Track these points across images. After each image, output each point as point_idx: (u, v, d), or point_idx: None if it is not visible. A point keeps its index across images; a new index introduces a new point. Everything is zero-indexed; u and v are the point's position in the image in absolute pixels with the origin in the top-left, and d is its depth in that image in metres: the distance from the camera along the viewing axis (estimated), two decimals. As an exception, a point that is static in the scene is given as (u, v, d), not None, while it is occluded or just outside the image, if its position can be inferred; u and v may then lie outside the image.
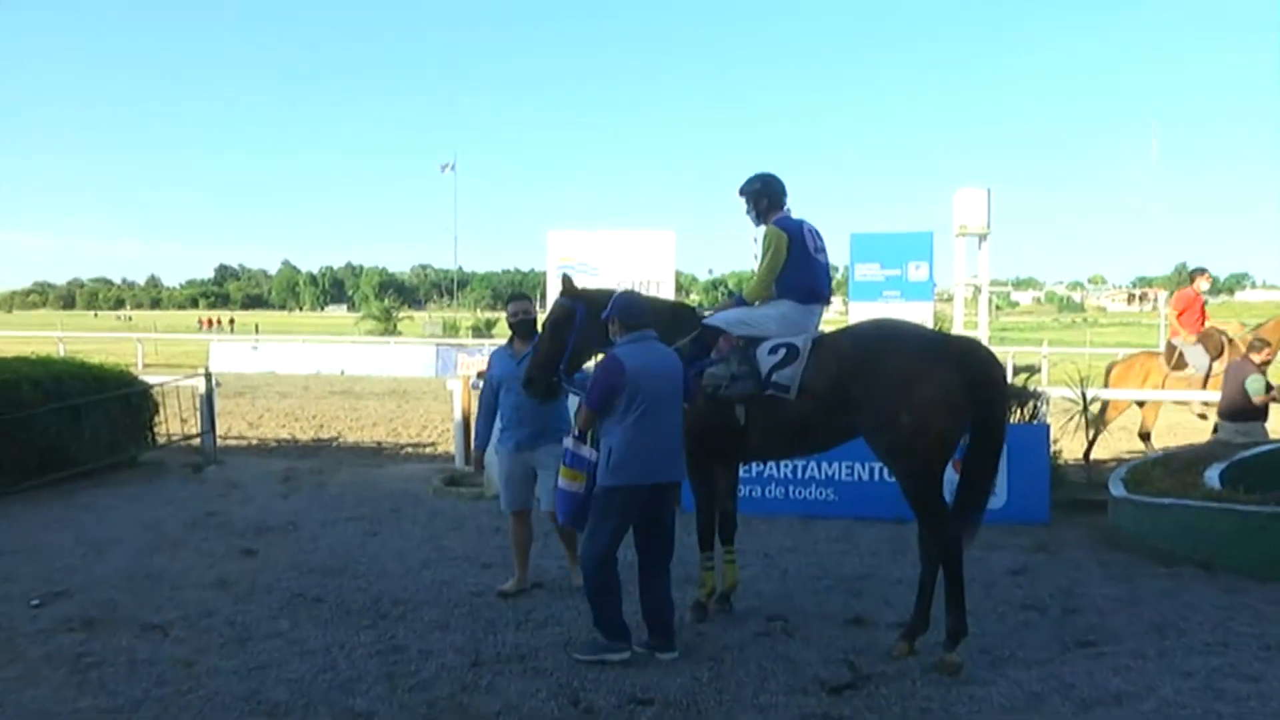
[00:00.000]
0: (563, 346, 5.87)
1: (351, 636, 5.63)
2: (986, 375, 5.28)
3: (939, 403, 5.08)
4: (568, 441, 5.34)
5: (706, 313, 6.10)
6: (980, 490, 5.31)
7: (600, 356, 5.74)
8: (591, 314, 5.73)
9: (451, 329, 51.59)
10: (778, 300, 5.85)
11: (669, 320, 5.89)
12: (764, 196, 6.00)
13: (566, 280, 6.14)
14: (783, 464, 8.94)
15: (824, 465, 8.98)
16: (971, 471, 5.31)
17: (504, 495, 6.60)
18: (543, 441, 6.34)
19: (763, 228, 6.00)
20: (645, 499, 5.20)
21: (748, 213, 6.07)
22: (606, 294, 5.80)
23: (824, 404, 5.42)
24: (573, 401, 6.22)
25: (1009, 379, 5.78)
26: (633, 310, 5.36)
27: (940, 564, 5.25)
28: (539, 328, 6.40)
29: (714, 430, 5.72)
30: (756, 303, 5.91)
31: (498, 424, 6.65)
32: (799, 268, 5.82)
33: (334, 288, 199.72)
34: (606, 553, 5.22)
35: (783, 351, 5.56)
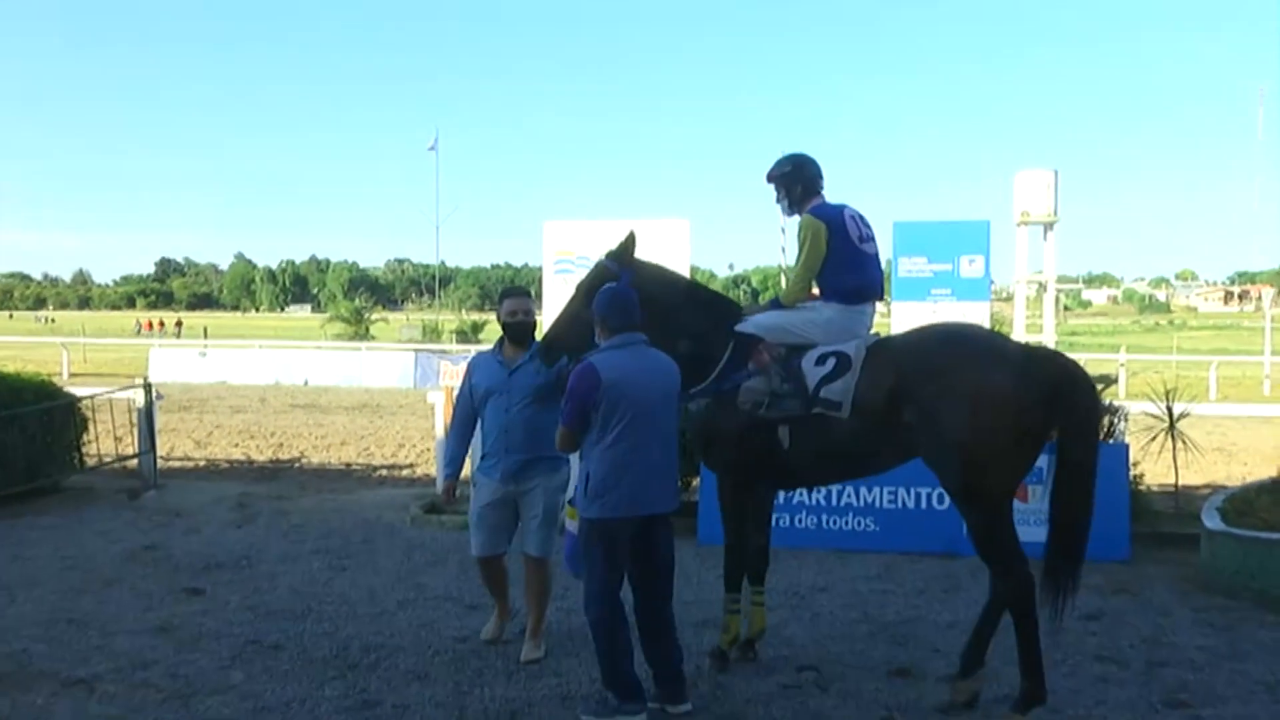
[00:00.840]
0: (575, 312, 5.77)
1: (315, 690, 5.62)
2: (1070, 379, 5.19)
3: (1009, 417, 5.01)
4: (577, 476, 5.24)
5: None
6: (1078, 524, 5.18)
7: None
8: (637, 289, 5.54)
9: (432, 333, 51.85)
10: (822, 301, 5.79)
11: (698, 318, 5.84)
12: (797, 182, 5.93)
13: (631, 239, 5.95)
14: (814, 489, 8.91)
15: (862, 491, 8.95)
16: (1063, 500, 5.19)
17: (475, 536, 6.33)
18: (535, 472, 6.11)
19: (795, 218, 5.96)
20: (633, 533, 5.12)
21: (778, 201, 6.03)
22: (662, 275, 5.88)
23: (881, 421, 5.34)
24: None
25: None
26: (617, 310, 5.22)
27: (1010, 612, 5.18)
28: (538, 334, 6.29)
29: (754, 455, 5.67)
30: (795, 305, 5.83)
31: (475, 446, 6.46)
32: (843, 262, 5.74)
33: (296, 285, 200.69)
34: (603, 596, 5.11)
35: (832, 362, 5.47)
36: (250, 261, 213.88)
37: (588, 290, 5.71)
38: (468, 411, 6.31)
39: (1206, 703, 5.51)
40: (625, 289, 5.38)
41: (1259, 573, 7.51)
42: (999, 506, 5.15)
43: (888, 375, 5.33)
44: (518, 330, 6.21)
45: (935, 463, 5.30)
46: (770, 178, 6.01)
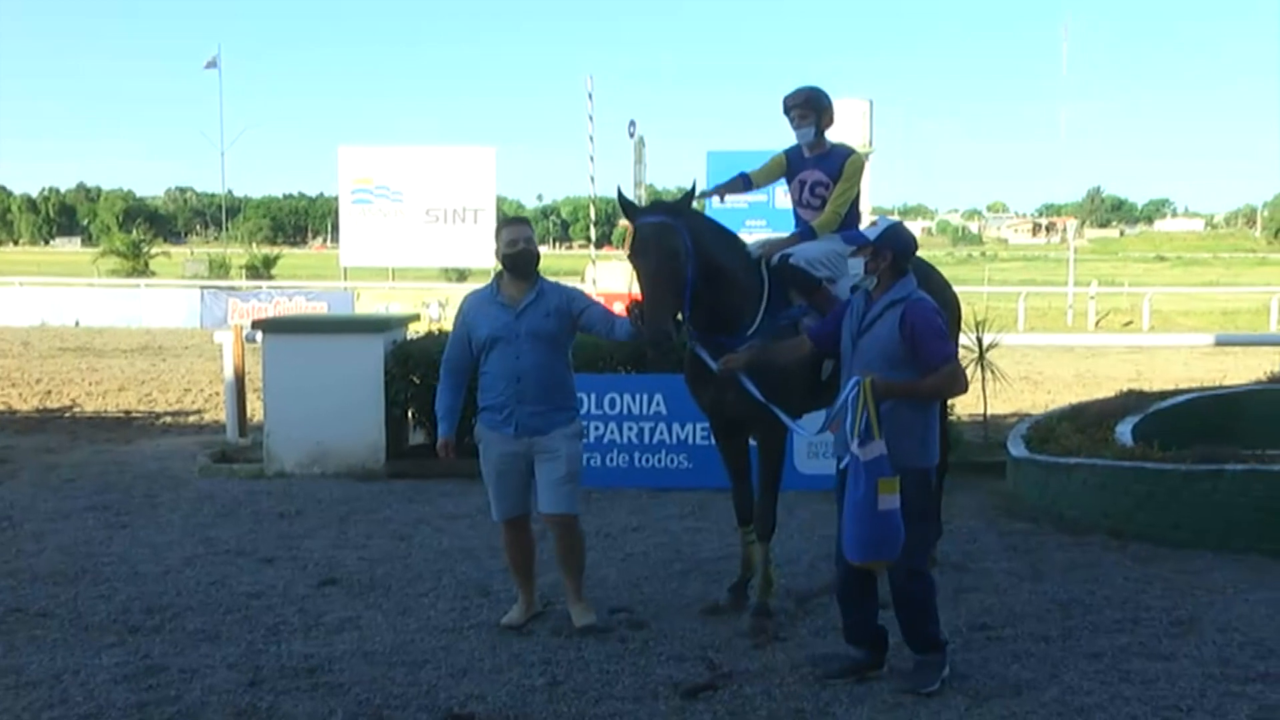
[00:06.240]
0: (679, 278, 5.49)
1: (90, 659, 5.42)
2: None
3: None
4: (877, 446, 4.77)
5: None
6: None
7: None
8: (702, 234, 5.65)
9: (220, 268, 50.14)
10: (834, 234, 6.16)
11: (734, 257, 5.89)
12: (827, 111, 6.26)
13: (694, 189, 5.90)
14: (626, 427, 9.08)
15: (675, 428, 9.14)
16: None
17: (495, 499, 5.89)
18: (552, 424, 5.72)
19: (812, 145, 6.28)
20: None
21: (801, 127, 6.23)
22: (702, 219, 5.87)
23: None
24: None
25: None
26: (912, 245, 5.12)
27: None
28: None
29: (806, 390, 5.85)
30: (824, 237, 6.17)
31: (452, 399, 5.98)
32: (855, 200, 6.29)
33: (62, 215, 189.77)
34: (928, 552, 5.19)
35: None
36: (5, 189, 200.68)
37: (668, 256, 5.45)
38: (462, 360, 5.86)
39: (1006, 624, 5.89)
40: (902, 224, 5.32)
41: (1058, 497, 8.07)
42: None
43: None
44: (520, 261, 5.74)
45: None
46: (805, 102, 6.20)
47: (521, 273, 5.76)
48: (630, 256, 5.69)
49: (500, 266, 5.88)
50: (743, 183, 6.43)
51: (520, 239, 5.74)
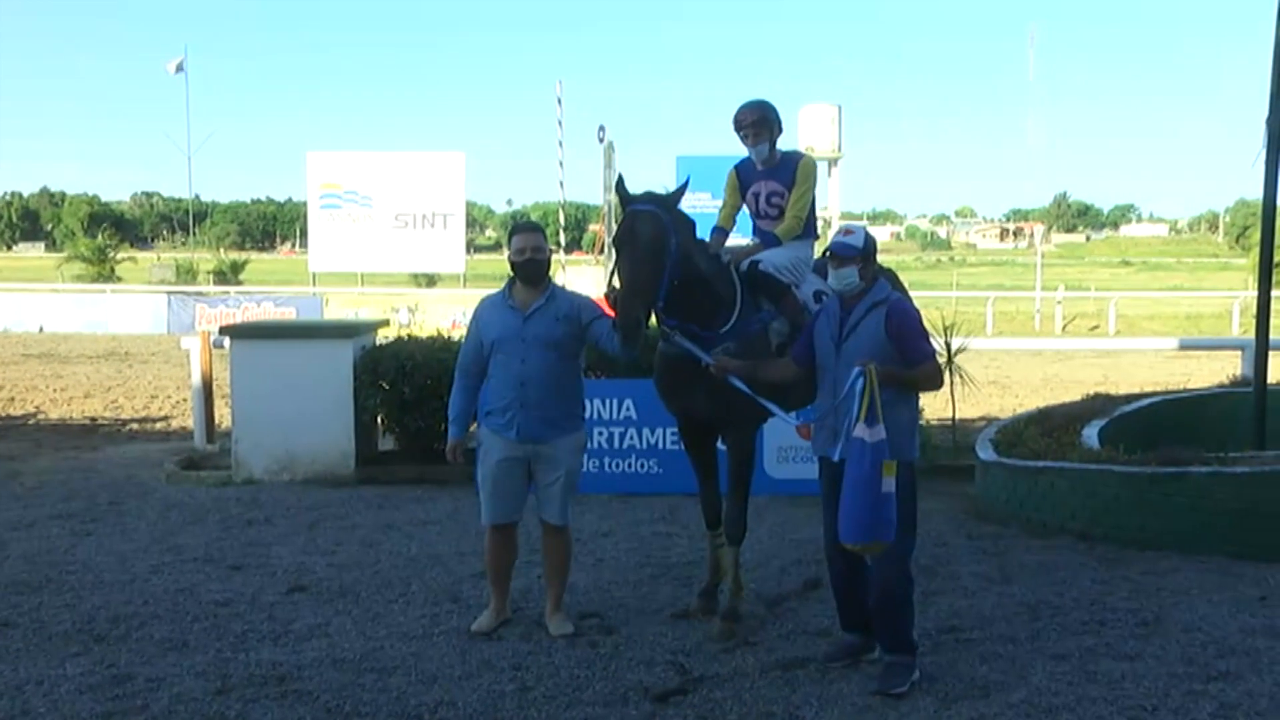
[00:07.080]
0: (660, 271, 5.47)
1: (54, 669, 5.36)
2: None
3: None
4: (881, 429, 4.88)
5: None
6: None
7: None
8: (685, 234, 5.65)
9: (187, 274, 49.82)
10: (804, 239, 6.31)
11: (709, 260, 5.90)
12: (779, 124, 6.26)
13: (687, 184, 5.98)
14: (596, 432, 9.09)
15: (645, 433, 9.16)
16: None
17: (487, 502, 5.88)
18: (555, 431, 5.78)
19: (762, 155, 6.26)
20: None
21: (757, 144, 6.17)
22: (685, 216, 5.76)
23: None
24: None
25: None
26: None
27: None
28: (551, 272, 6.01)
29: (770, 392, 5.88)
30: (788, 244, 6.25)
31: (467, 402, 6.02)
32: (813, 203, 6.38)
33: (25, 220, 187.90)
34: (912, 548, 5.32)
35: (825, 298, 5.86)
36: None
37: (653, 246, 5.44)
38: (475, 363, 5.89)
39: (975, 626, 5.93)
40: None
41: (1026, 500, 8.11)
42: None
43: None
44: (528, 269, 5.78)
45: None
46: (759, 122, 6.15)
47: (530, 280, 5.80)
48: (615, 241, 5.70)
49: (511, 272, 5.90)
50: (722, 235, 6.38)
51: (528, 247, 5.77)
